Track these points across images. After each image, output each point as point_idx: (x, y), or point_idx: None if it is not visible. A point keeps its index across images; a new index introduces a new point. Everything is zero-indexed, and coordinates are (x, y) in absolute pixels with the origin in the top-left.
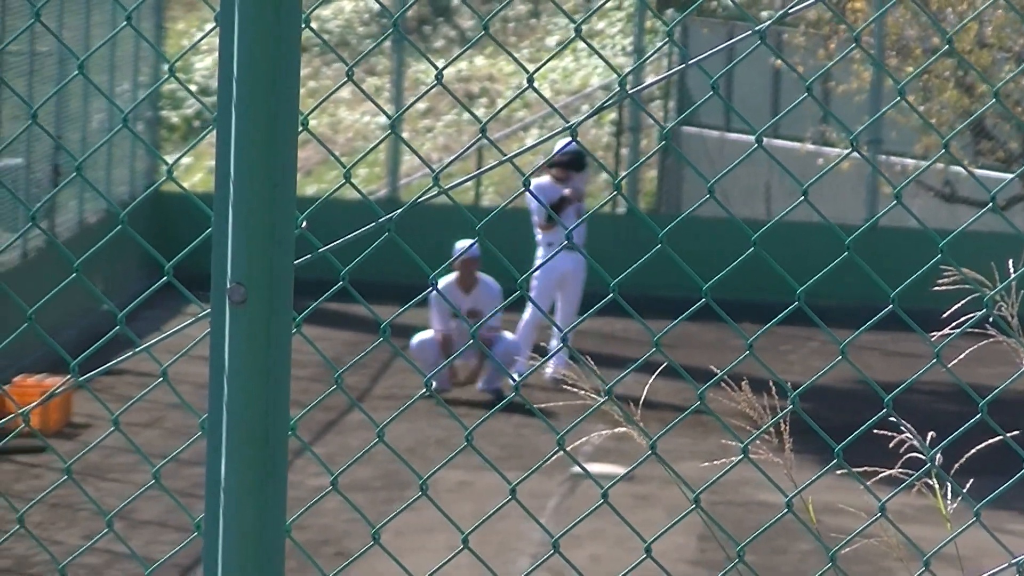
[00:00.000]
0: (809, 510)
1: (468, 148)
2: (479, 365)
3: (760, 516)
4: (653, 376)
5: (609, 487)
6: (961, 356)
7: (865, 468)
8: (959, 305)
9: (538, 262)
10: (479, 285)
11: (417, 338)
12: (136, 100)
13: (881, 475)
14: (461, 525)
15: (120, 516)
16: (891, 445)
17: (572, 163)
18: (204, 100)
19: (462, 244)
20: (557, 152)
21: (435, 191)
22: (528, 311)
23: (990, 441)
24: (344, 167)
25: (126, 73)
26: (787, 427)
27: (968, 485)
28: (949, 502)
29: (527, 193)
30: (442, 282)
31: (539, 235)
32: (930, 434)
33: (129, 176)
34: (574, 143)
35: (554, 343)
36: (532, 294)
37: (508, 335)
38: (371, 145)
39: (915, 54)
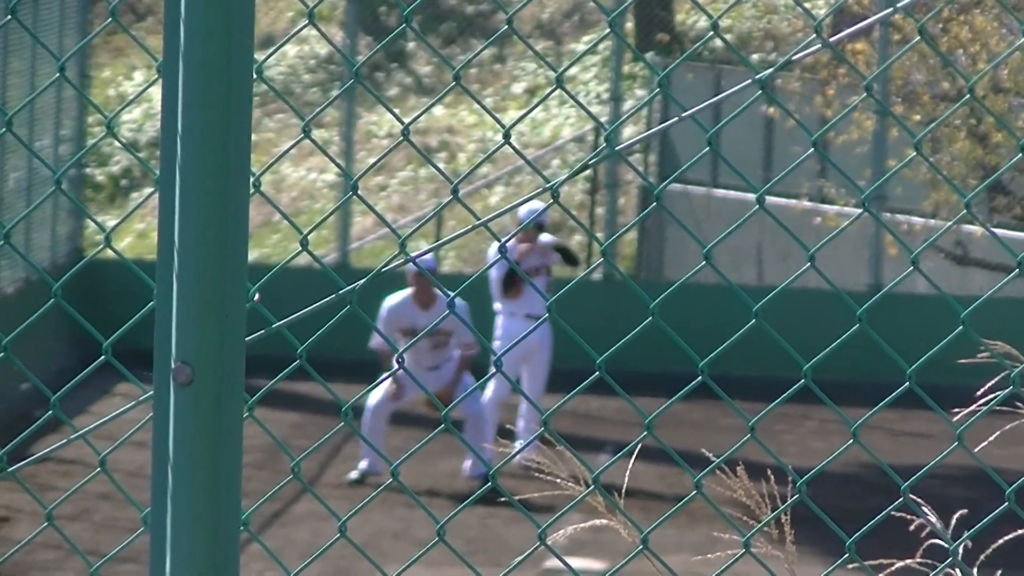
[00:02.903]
0: None
1: (439, 209)
2: (450, 389)
3: None
4: (632, 460)
5: None
6: (993, 436)
7: (880, 560)
8: (992, 382)
9: (498, 332)
10: (438, 302)
11: (372, 400)
12: (57, 156)
13: (897, 566)
14: None
15: None
16: (911, 527)
17: (538, 227)
18: (136, 156)
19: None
20: (528, 213)
21: (401, 259)
22: (490, 389)
23: (1019, 532)
24: (300, 232)
25: (47, 127)
26: (788, 517)
27: None
28: None
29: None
30: (394, 298)
31: (498, 304)
32: (957, 514)
33: (51, 241)
34: (540, 205)
35: (521, 423)
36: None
37: (485, 398)
38: (317, 204)
39: (922, 100)
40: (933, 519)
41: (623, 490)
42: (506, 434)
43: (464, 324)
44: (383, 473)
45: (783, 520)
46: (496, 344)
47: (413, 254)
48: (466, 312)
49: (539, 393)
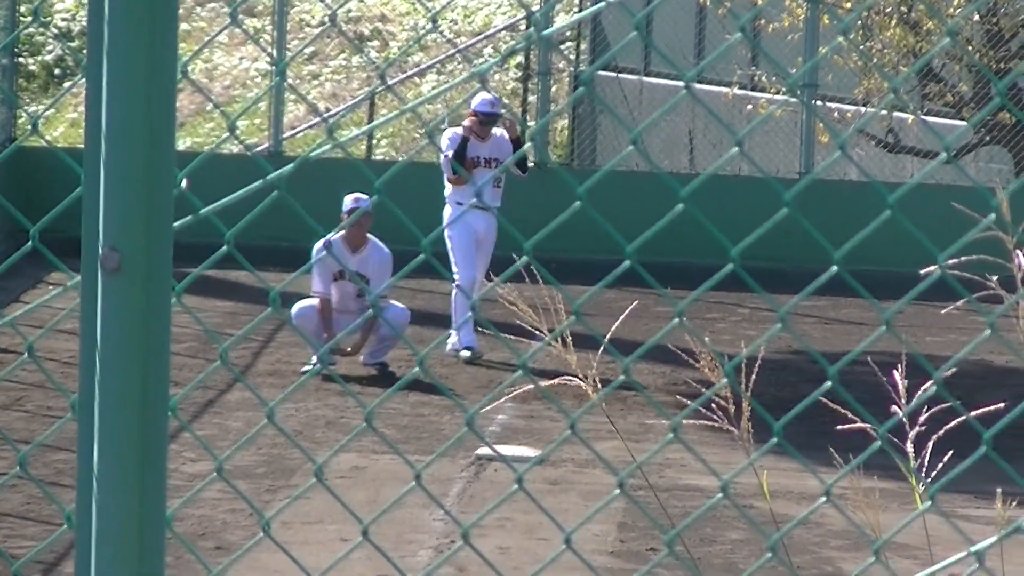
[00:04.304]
0: (764, 490)
1: (368, 95)
2: (365, 336)
3: (685, 502)
4: (559, 346)
5: (524, 471)
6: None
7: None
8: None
9: (446, 219)
10: (368, 246)
11: (297, 306)
12: None
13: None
14: (355, 514)
15: None
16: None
17: (491, 119)
18: (67, 45)
19: (351, 198)
20: (479, 105)
21: (328, 145)
22: (455, 276)
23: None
24: (229, 119)
25: None
26: (733, 402)
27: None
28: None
29: (434, 146)
30: (325, 240)
31: (448, 191)
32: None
33: None
34: (494, 97)
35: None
36: (452, 256)
37: (396, 303)
38: (251, 93)
39: None
40: (860, 409)
41: (554, 377)
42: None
43: (382, 276)
44: (335, 362)
45: (728, 406)
46: (447, 234)
47: (347, 203)
48: (389, 262)
49: (482, 281)
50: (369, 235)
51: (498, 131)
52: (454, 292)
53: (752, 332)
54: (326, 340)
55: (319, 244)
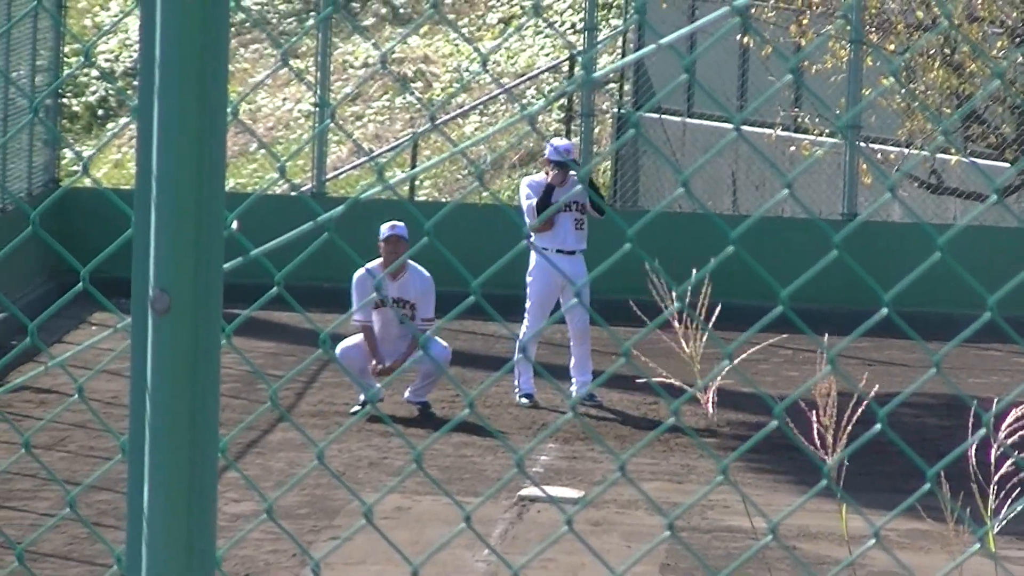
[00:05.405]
0: (844, 528)
1: (415, 136)
2: (406, 356)
3: (728, 543)
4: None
5: (574, 513)
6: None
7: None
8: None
9: (530, 267)
10: (408, 272)
11: (341, 347)
12: (33, 86)
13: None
14: (404, 554)
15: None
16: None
17: (563, 167)
18: (112, 86)
19: (387, 226)
20: (552, 150)
21: (378, 187)
22: (525, 324)
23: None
24: (278, 160)
25: (23, 56)
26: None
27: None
28: (950, 527)
29: (482, 187)
30: (363, 270)
31: (532, 239)
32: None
33: (27, 171)
34: (567, 144)
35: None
36: (529, 303)
37: (439, 341)
38: (293, 135)
39: (897, 29)
40: (908, 450)
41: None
42: (553, 371)
43: (426, 300)
44: (384, 397)
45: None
46: (528, 280)
47: (383, 231)
48: (430, 286)
49: (583, 328)
50: (409, 261)
51: (575, 175)
52: (520, 337)
53: (794, 373)
54: (375, 367)
55: (359, 272)
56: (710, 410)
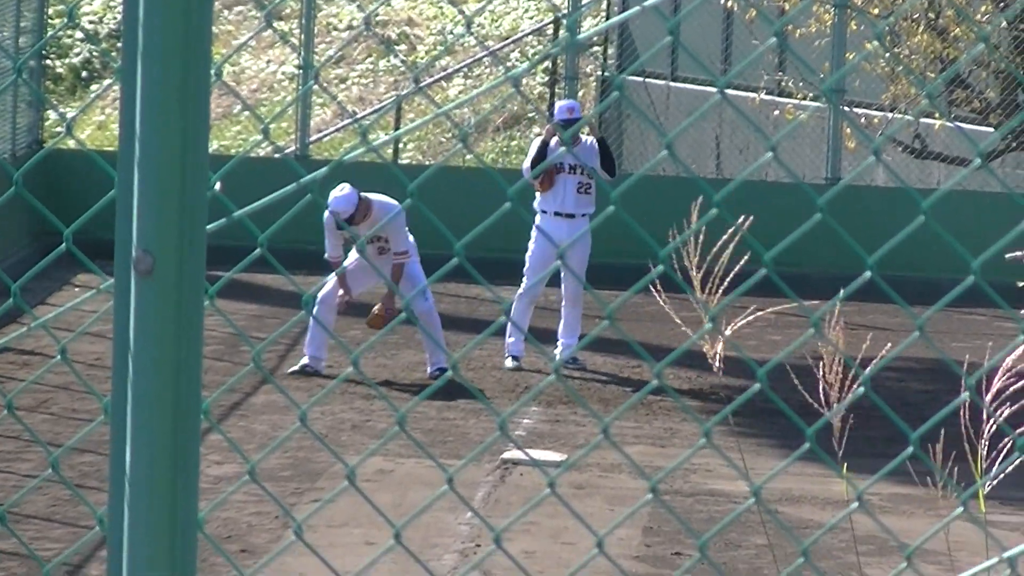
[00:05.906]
0: (846, 493)
1: (399, 99)
2: (388, 298)
3: (710, 507)
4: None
5: (556, 475)
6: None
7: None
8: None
9: (534, 230)
10: (374, 209)
11: (320, 294)
12: (17, 48)
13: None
14: (387, 517)
15: None
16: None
17: (568, 126)
18: (95, 47)
19: (334, 198)
20: (558, 112)
21: (361, 148)
22: (523, 283)
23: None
24: (262, 121)
25: (7, 18)
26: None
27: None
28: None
29: (467, 149)
30: (328, 210)
31: (536, 200)
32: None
33: (11, 132)
34: (571, 103)
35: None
36: (527, 266)
37: (423, 295)
38: (277, 97)
39: None
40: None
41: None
42: (539, 334)
43: (397, 232)
44: (322, 368)
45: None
46: (529, 245)
47: (332, 198)
48: (399, 215)
49: (576, 291)
50: (373, 196)
51: (589, 138)
52: (516, 298)
53: (777, 337)
54: (341, 299)
55: (326, 215)
56: (716, 364)
